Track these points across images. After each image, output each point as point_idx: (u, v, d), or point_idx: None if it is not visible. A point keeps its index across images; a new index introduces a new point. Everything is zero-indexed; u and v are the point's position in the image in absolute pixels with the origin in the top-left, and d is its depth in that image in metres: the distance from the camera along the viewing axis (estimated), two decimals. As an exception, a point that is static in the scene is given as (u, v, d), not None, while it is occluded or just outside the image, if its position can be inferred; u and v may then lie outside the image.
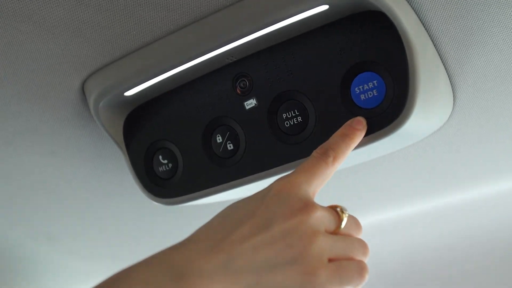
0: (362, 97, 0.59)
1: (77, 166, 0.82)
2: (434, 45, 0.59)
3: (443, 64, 0.61)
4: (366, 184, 0.86)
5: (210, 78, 0.67)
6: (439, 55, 0.60)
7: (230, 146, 0.67)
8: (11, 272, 1.08)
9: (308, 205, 0.52)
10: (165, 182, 0.72)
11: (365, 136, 0.59)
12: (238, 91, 0.66)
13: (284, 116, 0.63)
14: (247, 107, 0.65)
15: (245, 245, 0.50)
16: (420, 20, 0.57)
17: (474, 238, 1.08)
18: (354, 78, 0.60)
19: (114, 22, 0.59)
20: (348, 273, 0.52)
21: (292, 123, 0.63)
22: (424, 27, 0.58)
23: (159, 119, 0.71)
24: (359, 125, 0.58)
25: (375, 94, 0.59)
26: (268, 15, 0.58)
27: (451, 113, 0.67)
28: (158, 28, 0.61)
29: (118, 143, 0.73)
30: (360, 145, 0.59)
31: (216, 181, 0.68)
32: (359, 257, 0.54)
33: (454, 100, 0.65)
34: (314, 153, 0.56)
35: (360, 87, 0.59)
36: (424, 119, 0.60)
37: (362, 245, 0.55)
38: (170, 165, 0.71)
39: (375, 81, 0.59)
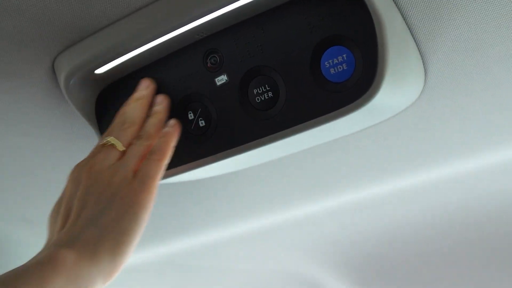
0: (332, 71, 0.59)
1: (51, 146, 0.81)
2: (404, 18, 0.59)
3: (413, 38, 0.61)
4: (343, 161, 0.86)
5: (181, 54, 0.67)
6: (408, 28, 0.60)
7: (202, 123, 0.67)
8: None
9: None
10: (138, 161, 0.71)
11: (336, 110, 0.59)
12: (209, 67, 0.65)
13: (255, 92, 0.63)
14: (218, 83, 0.65)
15: (70, 223, 0.59)
16: (389, -8, 0.57)
17: (450, 215, 1.08)
18: (324, 52, 0.60)
19: None
20: (148, 165, 0.61)
21: (262, 99, 0.63)
22: (393, 0, 0.58)
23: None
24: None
25: (345, 68, 0.59)
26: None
27: (423, 88, 0.67)
28: (128, 4, 0.61)
29: (90, 122, 0.73)
30: (332, 119, 0.59)
31: (189, 158, 0.68)
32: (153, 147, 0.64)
33: (425, 74, 0.65)
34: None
35: (330, 61, 0.59)
36: (394, 93, 0.61)
37: (159, 151, 0.63)
38: None
39: (344, 55, 0.59)
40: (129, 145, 0.64)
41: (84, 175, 0.61)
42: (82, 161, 0.64)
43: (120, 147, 0.63)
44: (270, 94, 0.63)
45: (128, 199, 0.59)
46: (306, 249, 1.29)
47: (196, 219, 1.03)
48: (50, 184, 0.91)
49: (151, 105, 0.67)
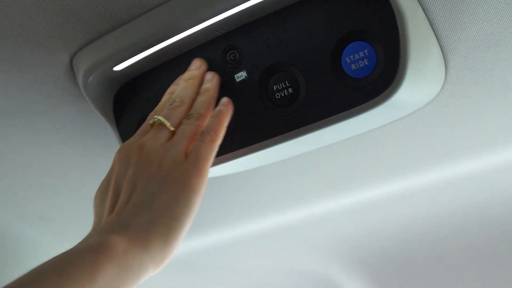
0: (353, 66, 0.59)
1: (67, 144, 0.81)
2: (425, 13, 0.59)
3: (434, 33, 0.60)
4: (360, 159, 0.85)
5: (200, 51, 0.66)
6: (430, 23, 0.60)
7: None
8: (2, 253, 1.08)
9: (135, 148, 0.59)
10: (156, 158, 0.71)
11: (357, 105, 0.58)
12: (228, 63, 0.65)
13: (274, 88, 0.63)
14: (238, 80, 0.65)
15: (119, 206, 0.56)
16: (410, -13, 0.56)
17: (469, 213, 1.07)
18: (345, 48, 0.59)
19: None
20: (200, 146, 0.59)
21: (283, 95, 0.63)
22: (415, -6, 0.57)
23: (149, 94, 0.70)
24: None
25: (366, 63, 0.58)
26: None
27: (443, 83, 0.66)
28: (147, 1, 0.60)
29: (108, 120, 0.73)
30: (353, 115, 0.59)
31: None
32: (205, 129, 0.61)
33: (446, 69, 0.65)
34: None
35: (351, 56, 0.59)
36: (415, 88, 0.60)
37: (210, 131, 0.60)
38: None
39: (365, 50, 0.58)
40: (178, 125, 0.61)
41: (134, 155, 0.58)
42: (130, 139, 0.61)
43: (170, 126, 0.60)
44: (290, 90, 0.62)
45: (180, 182, 0.56)
46: (321, 247, 1.29)
47: (212, 217, 1.03)
48: (66, 181, 0.91)
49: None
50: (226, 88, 0.65)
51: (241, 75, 0.65)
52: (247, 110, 0.65)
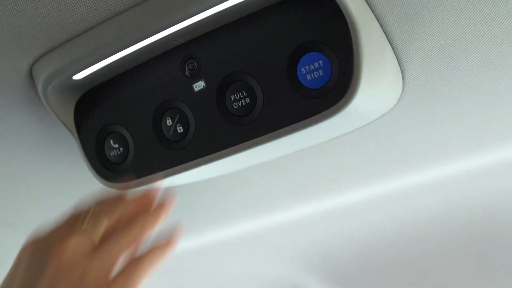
0: (309, 77, 0.59)
1: (30, 151, 0.81)
2: (380, 25, 0.59)
3: (390, 44, 0.61)
4: (323, 167, 0.86)
5: (159, 60, 0.67)
6: (385, 34, 0.60)
7: (180, 129, 0.67)
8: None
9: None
10: (117, 167, 0.71)
11: (313, 116, 0.59)
12: (187, 73, 0.65)
13: (232, 98, 0.63)
14: (196, 89, 0.65)
15: None
16: (365, -1, 0.57)
17: (434, 218, 1.09)
18: (300, 58, 0.60)
19: (60, 3, 0.58)
20: (131, 272, 0.53)
21: (240, 105, 0.63)
22: (369, 6, 0.58)
23: (109, 103, 0.70)
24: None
25: (321, 74, 0.59)
26: (214, -4, 0.58)
27: (401, 93, 0.67)
28: (106, 9, 0.60)
29: (69, 128, 0.72)
30: (309, 124, 0.59)
31: (167, 165, 0.68)
32: (129, 239, 0.54)
33: (403, 79, 0.66)
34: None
35: (306, 67, 0.59)
36: (371, 98, 0.61)
37: (127, 231, 0.54)
38: (121, 149, 0.71)
39: (320, 61, 0.59)
40: (107, 236, 0.54)
41: (51, 262, 0.50)
42: (46, 236, 0.53)
43: (97, 235, 0.54)
44: (247, 100, 0.63)
45: None
46: (291, 253, 1.29)
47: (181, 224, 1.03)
48: (28, 188, 0.91)
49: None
50: (184, 97, 0.66)
51: (199, 85, 0.65)
52: (206, 119, 0.65)
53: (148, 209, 0.58)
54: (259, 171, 0.84)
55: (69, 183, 0.87)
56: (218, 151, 0.64)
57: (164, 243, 0.58)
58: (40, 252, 0.51)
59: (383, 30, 0.60)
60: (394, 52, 0.62)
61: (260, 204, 0.99)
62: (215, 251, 1.20)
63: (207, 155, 0.65)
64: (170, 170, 0.68)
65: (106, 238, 0.54)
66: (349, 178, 0.88)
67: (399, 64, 0.64)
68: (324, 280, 1.37)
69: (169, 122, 0.67)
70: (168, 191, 0.61)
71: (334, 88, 0.58)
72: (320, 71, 0.59)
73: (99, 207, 0.56)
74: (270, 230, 1.12)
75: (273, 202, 0.99)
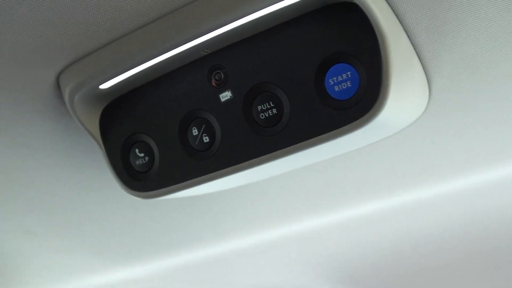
0: (336, 88, 0.59)
1: (53, 160, 0.81)
2: (408, 36, 0.59)
3: (418, 55, 0.61)
4: (346, 177, 0.86)
5: (186, 70, 0.67)
6: (413, 45, 0.60)
7: (206, 139, 0.67)
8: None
9: None
10: (142, 176, 0.72)
11: (340, 127, 0.59)
12: (213, 83, 0.66)
13: (259, 108, 0.63)
14: (223, 100, 0.65)
15: None
16: (393, 10, 0.57)
17: (455, 230, 1.08)
18: (328, 69, 0.60)
19: (88, 13, 0.59)
20: None
21: (267, 115, 0.63)
22: (397, 17, 0.58)
23: (135, 112, 0.70)
24: None
25: (349, 85, 0.59)
26: (242, 7, 0.58)
27: (427, 104, 0.67)
28: (133, 20, 0.61)
29: (94, 137, 0.73)
30: (336, 136, 0.59)
31: (193, 174, 0.68)
32: None
33: (429, 91, 0.65)
34: None
35: (334, 78, 0.59)
36: (399, 110, 0.61)
37: None
38: (146, 158, 0.71)
39: (348, 73, 0.59)
40: None
41: None
42: None
43: None
44: (274, 110, 0.63)
45: None
46: (309, 264, 1.29)
47: (198, 234, 1.03)
48: (52, 196, 0.91)
49: None
50: (210, 107, 0.66)
51: (226, 95, 0.65)
52: (232, 130, 0.65)
53: None
54: (277, 181, 0.84)
55: (92, 191, 0.88)
56: (244, 161, 0.64)
57: None
58: None
59: (410, 42, 0.60)
60: (421, 63, 0.62)
61: (277, 214, 0.99)
62: (233, 261, 1.20)
63: (233, 165, 0.65)
64: (195, 179, 0.68)
65: None
66: (370, 189, 0.88)
67: (426, 76, 0.64)
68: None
69: (195, 132, 0.67)
70: None
71: (362, 100, 0.58)
72: (348, 82, 0.59)
73: None
74: (288, 240, 1.12)
75: (291, 212, 0.99)
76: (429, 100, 0.66)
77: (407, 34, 0.59)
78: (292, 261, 1.27)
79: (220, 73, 0.65)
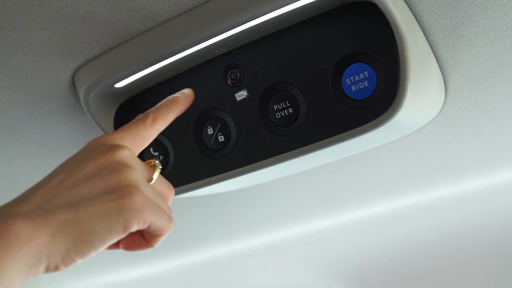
0: (353, 88, 0.59)
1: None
2: (425, 36, 0.59)
3: (434, 55, 0.61)
4: (359, 177, 0.85)
5: (201, 69, 0.67)
6: (430, 46, 0.60)
7: (221, 138, 0.67)
8: None
9: (117, 146, 0.53)
10: (156, 175, 0.71)
11: (357, 127, 0.59)
12: (229, 82, 0.65)
13: (275, 108, 0.63)
14: (238, 99, 0.65)
15: (61, 187, 0.50)
16: (411, 10, 0.57)
17: (466, 231, 1.08)
18: (345, 69, 0.59)
19: (103, 13, 0.59)
20: (161, 210, 0.52)
21: (283, 115, 0.63)
22: (415, 17, 0.58)
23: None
24: (183, 94, 0.58)
25: (366, 85, 0.59)
26: (259, 6, 0.57)
27: (443, 104, 0.67)
28: (149, 19, 0.61)
29: (109, 136, 0.73)
30: (352, 136, 0.59)
31: (208, 173, 0.68)
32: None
33: (446, 91, 0.65)
34: (137, 116, 0.57)
35: (351, 78, 0.59)
36: (415, 110, 0.60)
37: (169, 211, 0.54)
38: (161, 157, 0.71)
39: (366, 72, 0.59)
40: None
41: (111, 166, 0.51)
42: (123, 150, 0.52)
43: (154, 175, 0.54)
44: (290, 110, 0.62)
45: (118, 204, 0.49)
46: (318, 264, 1.28)
47: (209, 234, 1.03)
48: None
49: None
50: (226, 106, 0.66)
51: (241, 94, 0.65)
52: (247, 129, 0.65)
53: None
54: (289, 181, 0.83)
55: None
56: (259, 160, 0.64)
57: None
58: (97, 146, 0.53)
59: (428, 41, 0.60)
60: (438, 63, 0.62)
61: (289, 214, 0.99)
62: (243, 261, 1.20)
63: (249, 164, 0.65)
64: (210, 179, 0.68)
65: None
66: (384, 189, 0.88)
67: (443, 75, 0.63)
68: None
69: (210, 131, 0.67)
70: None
71: (380, 99, 0.58)
72: (365, 82, 0.59)
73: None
74: (298, 241, 1.11)
75: (302, 213, 0.99)
76: (445, 100, 0.66)
77: (424, 34, 0.59)
78: (301, 262, 1.27)
79: (236, 72, 0.65)
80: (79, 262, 0.49)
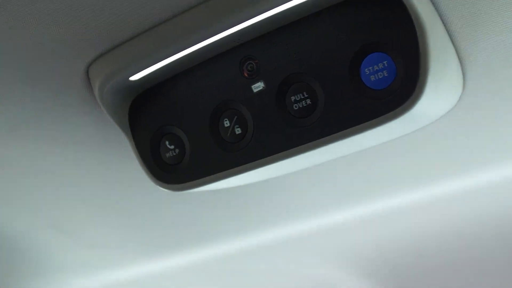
0: (372, 78, 0.58)
1: (82, 153, 0.81)
2: (444, 24, 0.58)
3: (453, 43, 0.60)
4: (373, 170, 0.85)
5: (217, 61, 0.66)
6: (448, 34, 0.59)
7: (238, 131, 0.66)
8: (16, 263, 1.08)
9: None
10: (172, 168, 0.71)
11: (376, 117, 0.58)
12: (245, 74, 0.65)
13: (292, 99, 0.63)
14: (255, 91, 0.64)
15: None
16: (430, -2, 0.56)
17: (483, 225, 1.07)
18: (364, 59, 0.59)
19: (117, 4, 0.58)
20: None
21: (301, 106, 0.62)
22: (434, 5, 0.57)
23: (165, 104, 0.70)
24: None
25: (385, 75, 0.58)
26: (275, -4, 0.57)
27: (461, 94, 0.66)
28: (163, 10, 0.60)
29: (123, 129, 0.72)
30: (372, 126, 0.58)
31: (224, 166, 0.67)
32: None
33: (464, 80, 0.64)
34: None
35: (370, 68, 0.59)
36: (435, 100, 0.60)
37: None
38: (177, 150, 0.70)
39: (385, 62, 0.58)
40: None
41: None
42: None
43: None
44: (308, 101, 0.62)
45: None
46: (330, 258, 1.28)
47: (223, 227, 1.03)
48: (80, 190, 0.91)
49: None
50: (242, 98, 0.65)
51: (258, 86, 0.64)
52: (265, 121, 0.64)
53: None
54: (307, 174, 0.83)
55: (120, 184, 0.87)
56: (277, 152, 0.63)
57: None
58: None
59: (446, 30, 0.59)
60: (456, 52, 0.61)
61: (302, 208, 0.99)
62: (257, 255, 1.19)
63: (266, 157, 0.64)
64: (226, 172, 0.67)
65: None
66: (402, 180, 0.87)
67: (461, 65, 0.63)
68: (363, 285, 1.35)
69: (226, 123, 0.67)
70: None
71: (399, 89, 0.57)
72: (384, 71, 0.58)
73: None
74: (310, 234, 1.11)
75: (315, 206, 0.98)
76: (463, 90, 0.65)
77: (443, 22, 0.58)
78: (313, 255, 1.27)
79: (252, 63, 0.64)
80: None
